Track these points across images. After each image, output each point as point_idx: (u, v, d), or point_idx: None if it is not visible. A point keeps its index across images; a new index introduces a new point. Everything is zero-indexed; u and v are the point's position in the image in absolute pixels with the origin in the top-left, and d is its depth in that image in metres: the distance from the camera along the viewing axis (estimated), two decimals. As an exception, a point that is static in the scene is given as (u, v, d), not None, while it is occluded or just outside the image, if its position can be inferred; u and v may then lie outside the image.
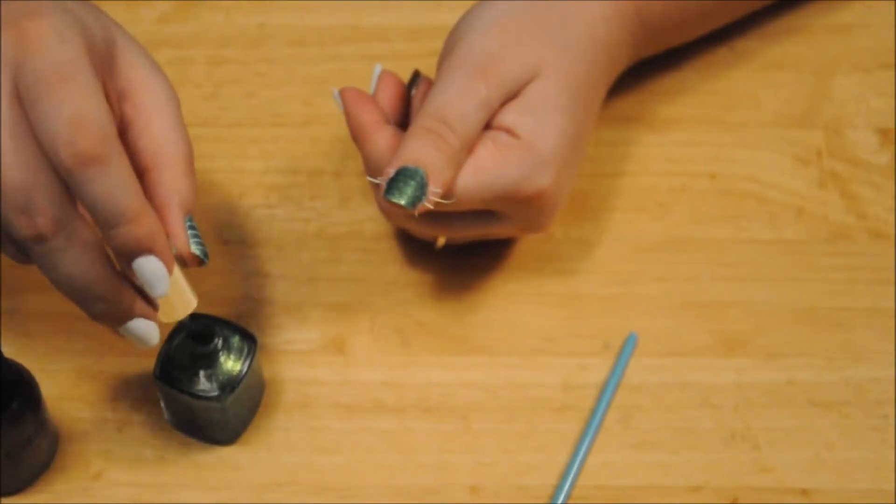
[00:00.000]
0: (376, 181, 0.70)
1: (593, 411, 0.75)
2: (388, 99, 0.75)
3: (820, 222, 0.81)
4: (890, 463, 0.74)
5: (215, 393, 0.71)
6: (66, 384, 0.76)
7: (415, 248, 0.80)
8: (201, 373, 0.72)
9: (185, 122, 0.72)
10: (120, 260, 0.65)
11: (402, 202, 0.69)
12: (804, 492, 0.74)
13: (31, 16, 0.63)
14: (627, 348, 0.77)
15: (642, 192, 0.81)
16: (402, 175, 0.69)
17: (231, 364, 0.72)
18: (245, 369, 0.72)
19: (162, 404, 0.74)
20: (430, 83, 0.76)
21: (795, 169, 0.82)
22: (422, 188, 0.69)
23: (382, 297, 0.78)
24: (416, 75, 0.77)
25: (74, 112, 0.62)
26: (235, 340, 0.72)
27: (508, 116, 0.72)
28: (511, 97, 0.72)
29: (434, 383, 0.76)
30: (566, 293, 0.78)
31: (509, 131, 0.72)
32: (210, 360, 0.72)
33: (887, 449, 0.75)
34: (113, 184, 0.62)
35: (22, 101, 0.63)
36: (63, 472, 0.74)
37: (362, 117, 0.73)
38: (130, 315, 0.66)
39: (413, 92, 0.76)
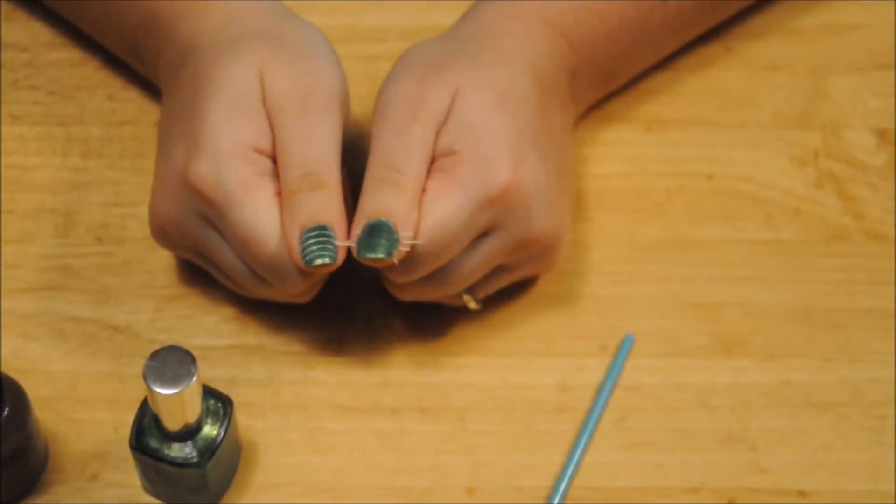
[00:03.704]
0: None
1: (589, 412, 0.75)
2: None
3: (817, 223, 0.81)
4: (887, 463, 0.74)
5: (194, 459, 0.70)
6: (62, 385, 0.76)
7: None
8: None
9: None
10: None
11: (380, 255, 0.69)
12: (801, 493, 0.74)
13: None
14: (624, 349, 0.76)
15: (639, 193, 0.81)
16: (371, 231, 0.69)
17: (208, 429, 0.70)
18: (223, 433, 0.70)
19: (137, 473, 0.72)
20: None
21: (792, 169, 0.82)
22: (392, 236, 0.69)
23: (380, 298, 0.78)
24: None
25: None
26: (211, 404, 0.71)
27: (443, 140, 0.72)
28: (441, 126, 0.73)
29: (431, 384, 0.76)
30: (563, 294, 0.78)
31: (450, 153, 0.72)
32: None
33: (884, 449, 0.75)
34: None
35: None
36: (59, 472, 0.74)
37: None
38: None
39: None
